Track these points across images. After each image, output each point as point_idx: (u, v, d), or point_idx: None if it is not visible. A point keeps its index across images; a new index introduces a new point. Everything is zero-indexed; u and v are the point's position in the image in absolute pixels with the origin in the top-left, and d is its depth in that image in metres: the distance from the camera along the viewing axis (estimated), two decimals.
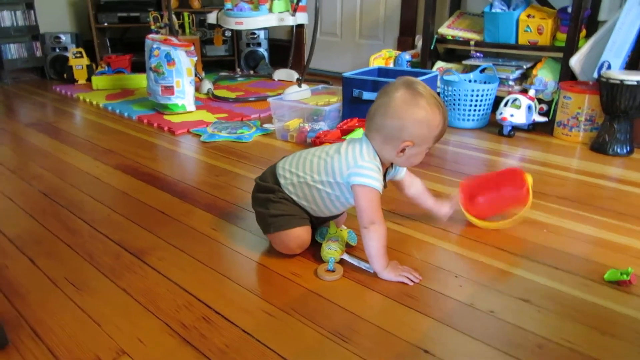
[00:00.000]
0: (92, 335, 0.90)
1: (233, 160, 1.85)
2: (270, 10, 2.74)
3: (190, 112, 2.53)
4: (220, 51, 3.80)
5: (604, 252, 1.19)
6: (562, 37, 2.26)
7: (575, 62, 2.17)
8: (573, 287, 1.04)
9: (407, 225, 1.32)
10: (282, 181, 1.14)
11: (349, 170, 1.06)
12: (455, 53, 2.81)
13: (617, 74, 1.85)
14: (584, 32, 2.25)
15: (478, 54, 2.56)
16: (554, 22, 2.29)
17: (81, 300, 1.00)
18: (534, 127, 2.20)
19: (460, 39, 2.58)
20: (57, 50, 3.52)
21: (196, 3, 3.61)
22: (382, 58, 2.82)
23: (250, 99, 2.82)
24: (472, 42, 2.53)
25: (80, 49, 3.37)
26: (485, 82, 2.34)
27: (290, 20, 2.79)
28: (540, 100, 2.28)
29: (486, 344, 0.87)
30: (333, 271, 1.08)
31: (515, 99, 2.12)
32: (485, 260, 1.15)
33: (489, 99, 2.24)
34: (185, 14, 3.47)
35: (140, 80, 3.17)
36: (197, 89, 2.84)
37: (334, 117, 2.17)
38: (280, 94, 2.58)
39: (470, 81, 2.36)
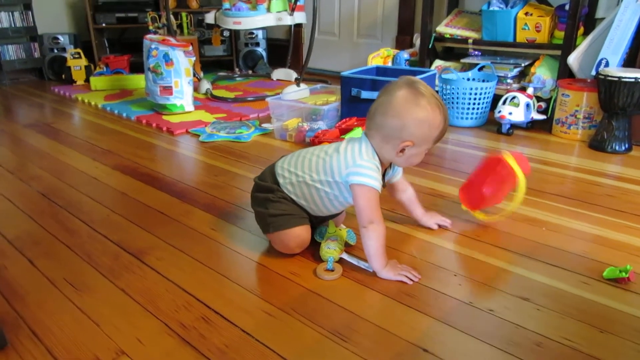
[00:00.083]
0: (91, 336, 0.90)
1: (232, 160, 1.85)
2: (268, 9, 2.74)
3: (189, 112, 2.53)
4: (219, 51, 3.80)
5: (602, 249, 1.19)
6: (560, 34, 2.26)
7: (573, 59, 2.17)
8: (572, 285, 1.04)
9: (406, 224, 1.32)
10: (281, 180, 1.14)
11: (348, 169, 1.06)
12: (454, 51, 2.81)
13: (615, 71, 1.85)
14: (581, 30, 2.25)
15: (476, 52, 2.56)
16: (552, 20, 2.29)
17: (80, 300, 1.00)
18: (532, 125, 2.20)
19: (459, 38, 2.58)
20: (55, 51, 3.52)
21: (194, 3, 3.61)
22: (381, 57, 2.82)
23: (249, 98, 2.82)
24: (470, 41, 2.53)
25: (79, 50, 3.37)
26: (483, 81, 2.34)
27: (289, 20, 2.79)
28: (538, 98, 2.28)
29: (485, 342, 0.87)
30: (332, 270, 1.08)
31: (514, 97, 2.13)
32: (484, 259, 1.15)
33: (488, 97, 2.24)
34: (183, 14, 3.47)
35: (138, 81, 3.17)
36: (196, 89, 2.84)
37: (332, 116, 2.17)
38: (278, 94, 2.58)
39: (468, 79, 2.36)
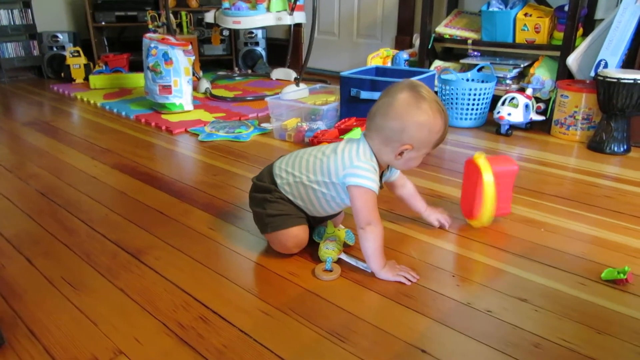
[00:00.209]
0: (89, 335, 0.90)
1: (231, 160, 1.85)
2: (268, 9, 2.74)
3: (188, 111, 2.53)
4: (218, 50, 3.80)
5: (601, 250, 1.19)
6: (559, 35, 2.26)
7: (572, 60, 2.17)
8: (570, 286, 1.04)
9: (405, 225, 1.32)
10: (278, 181, 1.14)
11: (345, 170, 1.06)
12: (453, 52, 2.82)
13: (614, 72, 1.85)
14: (580, 31, 2.25)
15: (475, 53, 2.56)
16: (551, 21, 2.30)
17: (78, 299, 1.00)
18: (531, 126, 2.21)
19: (458, 38, 2.58)
20: (55, 49, 3.51)
21: (194, 2, 3.61)
22: (380, 57, 2.82)
23: (248, 98, 2.82)
24: (469, 41, 2.53)
25: (78, 48, 3.37)
26: (482, 81, 2.34)
27: (288, 20, 2.79)
28: (537, 99, 2.28)
29: (483, 343, 0.87)
30: (331, 271, 1.08)
31: (513, 98, 2.13)
32: (482, 260, 1.15)
33: (487, 98, 2.24)
34: (183, 13, 3.47)
35: (137, 80, 3.17)
36: (195, 88, 2.83)
37: (331, 116, 2.17)
38: (278, 94, 2.58)
39: (467, 80, 2.36)
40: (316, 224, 1.22)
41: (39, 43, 3.48)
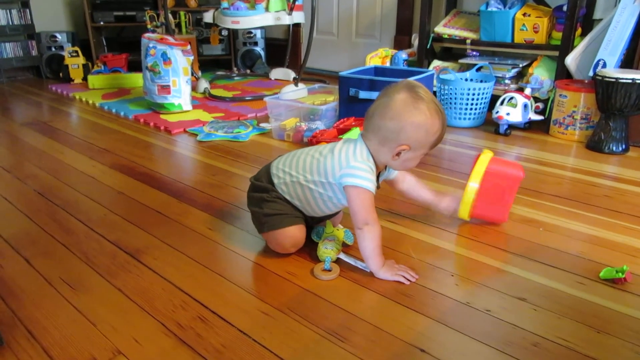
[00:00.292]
0: (88, 335, 0.90)
1: (229, 160, 1.85)
2: (267, 9, 2.74)
3: (187, 111, 2.53)
4: (217, 50, 3.79)
5: (599, 250, 1.19)
6: (557, 35, 2.27)
7: (570, 60, 2.18)
8: (569, 285, 1.04)
9: (403, 224, 1.32)
10: (275, 181, 1.14)
11: (342, 170, 1.06)
12: (452, 52, 2.82)
13: (613, 72, 1.85)
14: (579, 31, 2.25)
15: (474, 53, 2.56)
16: (550, 21, 2.30)
17: (77, 300, 1.00)
18: (530, 126, 2.21)
19: (457, 38, 2.59)
20: (53, 49, 3.50)
21: (192, 2, 3.61)
22: (379, 57, 2.82)
23: (247, 98, 2.82)
24: (468, 41, 2.53)
25: (76, 48, 3.36)
26: (481, 81, 2.34)
27: (287, 19, 2.79)
28: (536, 99, 2.28)
29: (482, 342, 0.87)
30: (329, 270, 1.08)
31: (512, 98, 2.13)
32: (481, 259, 1.15)
33: (485, 98, 2.24)
34: (182, 13, 3.47)
35: (136, 80, 3.17)
36: (194, 88, 2.83)
37: (330, 116, 2.17)
38: (276, 93, 2.57)
39: (466, 80, 2.36)
40: (315, 223, 1.22)
41: (37, 43, 3.47)
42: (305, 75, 3.15)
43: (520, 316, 0.94)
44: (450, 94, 2.24)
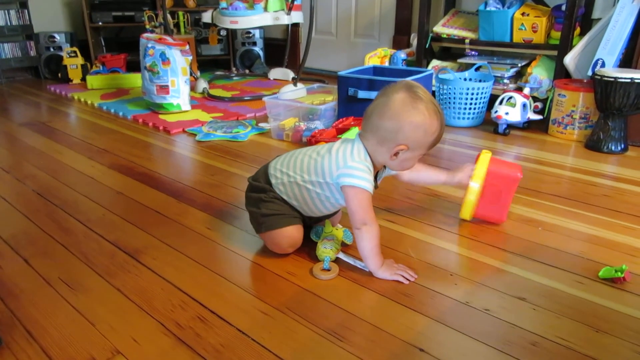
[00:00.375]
0: (86, 335, 0.90)
1: (228, 160, 1.85)
2: (266, 9, 2.74)
3: (186, 111, 2.52)
4: (216, 50, 3.79)
5: (598, 249, 1.19)
6: (556, 35, 2.27)
7: (569, 60, 2.18)
8: (568, 284, 1.04)
9: (402, 224, 1.32)
10: (273, 181, 1.14)
11: (339, 170, 1.05)
12: (451, 51, 2.82)
13: (611, 71, 1.85)
14: (578, 30, 2.25)
15: (473, 52, 2.57)
16: (548, 20, 2.30)
17: (75, 300, 1.00)
18: (528, 125, 2.21)
19: (455, 38, 2.59)
20: (52, 49, 3.50)
21: (191, 2, 3.61)
22: (378, 57, 2.82)
23: (246, 98, 2.82)
24: (467, 41, 2.53)
25: (75, 49, 3.36)
26: (480, 81, 2.34)
27: (286, 19, 2.79)
28: (535, 98, 2.29)
29: (481, 342, 0.87)
30: (328, 270, 1.08)
31: (510, 97, 2.13)
32: (480, 259, 1.16)
33: (484, 97, 2.24)
34: (180, 13, 3.47)
35: (135, 80, 3.16)
36: (193, 88, 2.83)
37: (329, 116, 2.17)
38: (275, 93, 2.57)
39: (465, 79, 2.36)
40: (313, 223, 1.22)
41: (35, 43, 3.47)
42: (304, 75, 3.15)
43: (519, 315, 0.94)
44: (449, 93, 2.24)
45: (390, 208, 1.40)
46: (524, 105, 2.12)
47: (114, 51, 3.62)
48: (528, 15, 2.32)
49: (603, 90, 1.85)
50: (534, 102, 2.22)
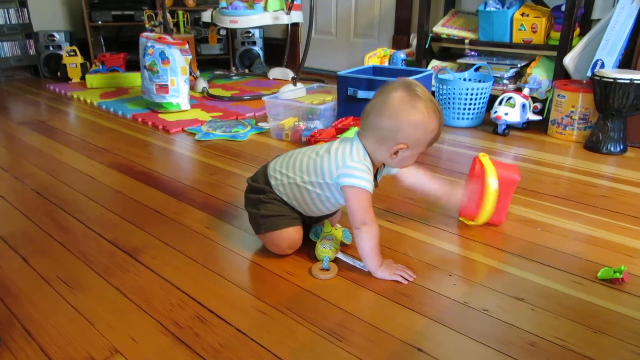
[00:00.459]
0: (85, 334, 0.90)
1: (228, 159, 1.85)
2: (265, 8, 2.74)
3: (185, 110, 2.52)
4: (215, 50, 3.79)
5: (597, 250, 1.19)
6: (556, 35, 2.27)
7: (569, 60, 2.18)
8: (566, 285, 1.04)
9: (402, 224, 1.32)
10: (272, 182, 1.14)
11: (338, 170, 1.05)
12: (450, 52, 2.82)
13: (611, 72, 1.85)
14: (577, 31, 2.26)
15: (472, 53, 2.57)
16: (548, 21, 2.30)
17: (74, 299, 1.00)
18: (528, 126, 2.21)
19: (455, 38, 2.59)
20: (51, 48, 3.50)
21: (191, 1, 3.60)
22: (377, 57, 2.82)
23: (245, 97, 2.82)
24: (466, 41, 2.53)
25: (74, 47, 3.36)
26: (479, 81, 2.34)
27: (285, 19, 2.79)
28: (534, 99, 2.29)
29: (480, 342, 0.87)
30: (327, 270, 1.08)
31: (510, 98, 2.13)
32: (479, 259, 1.16)
33: (484, 98, 2.24)
34: (180, 12, 3.46)
35: (134, 79, 3.16)
36: (192, 88, 2.83)
37: (328, 115, 2.17)
38: (275, 93, 2.57)
39: (464, 80, 2.36)
40: (313, 223, 1.22)
41: (35, 42, 3.47)
42: (304, 74, 3.15)
43: (517, 316, 0.94)
44: (449, 93, 2.24)
45: (390, 208, 1.40)
46: (524, 106, 2.12)
47: (114, 50, 3.62)
48: (528, 15, 2.32)
49: (602, 91, 1.85)
50: (534, 102, 2.22)
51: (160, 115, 2.44)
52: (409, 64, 2.78)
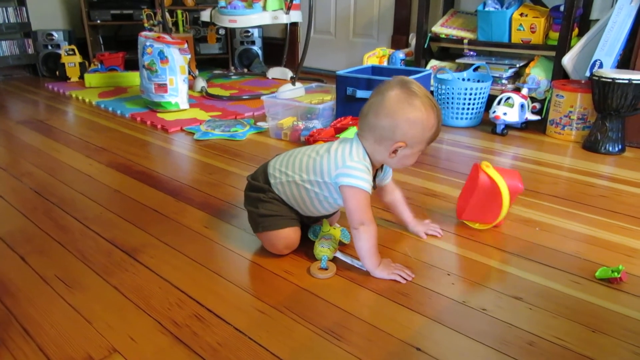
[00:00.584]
0: (83, 333, 0.89)
1: (226, 159, 1.85)
2: (264, 8, 2.73)
3: (184, 110, 2.52)
4: (214, 49, 3.79)
5: (595, 249, 1.19)
6: (554, 35, 2.27)
7: (567, 60, 2.18)
8: (565, 284, 1.04)
9: (400, 223, 1.32)
10: (272, 180, 1.14)
11: (337, 170, 1.05)
12: (449, 51, 2.82)
13: (609, 72, 1.85)
14: (576, 31, 2.26)
15: (471, 53, 2.57)
16: (547, 21, 2.30)
17: (72, 298, 1.00)
18: (526, 126, 2.21)
19: (454, 38, 2.59)
20: (50, 47, 3.49)
21: (190, 1, 3.60)
22: (376, 56, 2.82)
23: (244, 97, 2.82)
24: (465, 41, 2.54)
25: (73, 47, 3.35)
26: (478, 81, 2.34)
27: (284, 19, 2.79)
28: (533, 99, 2.29)
29: (478, 341, 0.87)
30: (326, 269, 1.08)
31: (508, 98, 2.13)
32: (477, 258, 1.16)
33: (482, 98, 2.25)
34: (179, 11, 3.46)
35: (133, 78, 3.16)
36: (191, 87, 2.83)
37: (327, 115, 2.17)
38: (274, 92, 2.57)
39: (463, 80, 2.36)
40: (311, 222, 1.22)
41: (33, 41, 3.46)
42: (303, 74, 3.14)
43: (516, 315, 0.94)
44: (448, 93, 2.24)
45: (389, 208, 1.40)
46: (522, 106, 2.12)
47: (112, 49, 3.62)
48: (526, 15, 2.32)
49: (601, 91, 1.85)
50: (532, 102, 2.22)
51: (159, 115, 2.43)
52: (407, 63, 2.78)
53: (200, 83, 2.99)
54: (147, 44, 2.42)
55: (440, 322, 0.92)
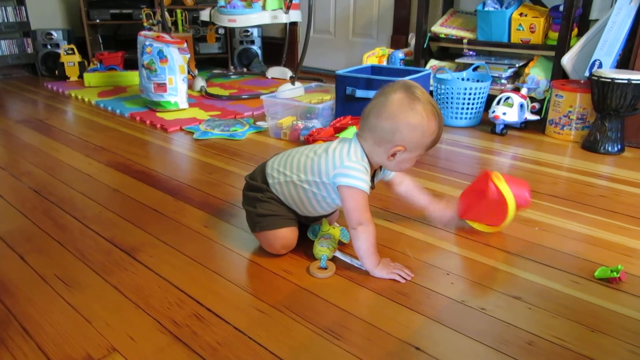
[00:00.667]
0: (82, 332, 0.89)
1: (226, 158, 1.85)
2: (264, 7, 2.73)
3: (183, 109, 2.52)
4: (214, 49, 3.79)
5: (594, 249, 1.19)
6: (554, 35, 2.27)
7: (567, 60, 2.18)
8: (564, 284, 1.04)
9: (400, 223, 1.32)
10: (270, 180, 1.14)
11: (335, 170, 1.05)
12: (448, 51, 2.82)
13: (608, 72, 1.86)
14: (575, 31, 2.26)
15: (471, 52, 2.57)
16: (546, 21, 2.30)
17: (71, 297, 1.00)
18: (526, 126, 2.21)
19: (453, 37, 2.59)
20: (49, 46, 3.49)
21: (189, 0, 3.60)
22: (376, 56, 2.82)
23: (244, 96, 2.82)
24: (465, 41, 2.54)
25: (72, 46, 3.35)
26: (478, 81, 2.34)
27: (284, 18, 2.79)
28: (532, 99, 2.29)
29: (477, 340, 0.87)
30: (325, 268, 1.08)
31: (508, 98, 2.13)
32: (476, 258, 1.16)
33: (482, 97, 2.25)
34: (178, 11, 3.45)
35: (132, 78, 3.16)
36: (190, 87, 2.83)
37: (327, 115, 2.17)
38: (273, 92, 2.57)
39: (463, 79, 2.37)
40: (310, 222, 1.22)
41: (33, 41, 3.46)
42: (302, 74, 3.14)
43: (515, 315, 0.94)
44: (447, 93, 2.24)
45: (387, 207, 1.40)
46: (522, 106, 2.12)
47: (112, 49, 3.62)
48: (526, 15, 2.32)
49: (600, 91, 1.86)
50: (532, 102, 2.22)
51: (158, 114, 2.43)
52: (407, 63, 2.78)
53: (200, 82, 2.99)
54: (147, 43, 2.42)
55: (440, 322, 0.92)
